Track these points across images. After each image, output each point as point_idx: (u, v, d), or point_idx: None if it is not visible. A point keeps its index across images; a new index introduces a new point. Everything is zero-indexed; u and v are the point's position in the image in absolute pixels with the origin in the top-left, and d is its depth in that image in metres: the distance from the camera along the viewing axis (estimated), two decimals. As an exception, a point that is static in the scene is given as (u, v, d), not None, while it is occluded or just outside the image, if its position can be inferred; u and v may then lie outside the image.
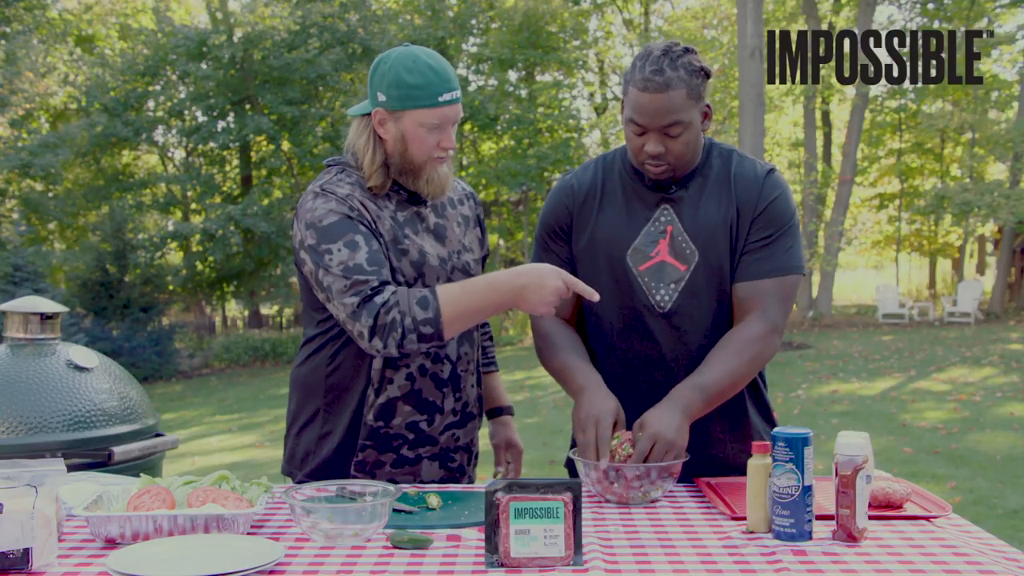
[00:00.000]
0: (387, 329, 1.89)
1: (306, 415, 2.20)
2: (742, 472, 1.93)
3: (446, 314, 1.90)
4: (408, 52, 2.04)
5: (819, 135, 26.87)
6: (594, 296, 1.95)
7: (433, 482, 2.17)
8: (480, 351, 2.37)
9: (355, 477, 2.13)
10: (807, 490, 1.64)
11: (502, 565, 1.52)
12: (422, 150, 2.05)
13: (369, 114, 2.08)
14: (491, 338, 2.47)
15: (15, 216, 20.39)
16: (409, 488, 2.01)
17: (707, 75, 2.02)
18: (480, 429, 2.35)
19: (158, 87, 22.03)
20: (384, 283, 1.93)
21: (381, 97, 2.03)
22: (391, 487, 1.75)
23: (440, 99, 2.01)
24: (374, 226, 2.03)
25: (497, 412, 2.43)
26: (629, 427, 1.99)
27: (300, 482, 2.18)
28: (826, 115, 27.61)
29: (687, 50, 2.01)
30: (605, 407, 1.95)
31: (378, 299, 1.90)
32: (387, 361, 2.08)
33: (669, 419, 1.91)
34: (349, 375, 2.12)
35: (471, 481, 2.28)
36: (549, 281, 1.91)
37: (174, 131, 23.15)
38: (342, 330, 2.06)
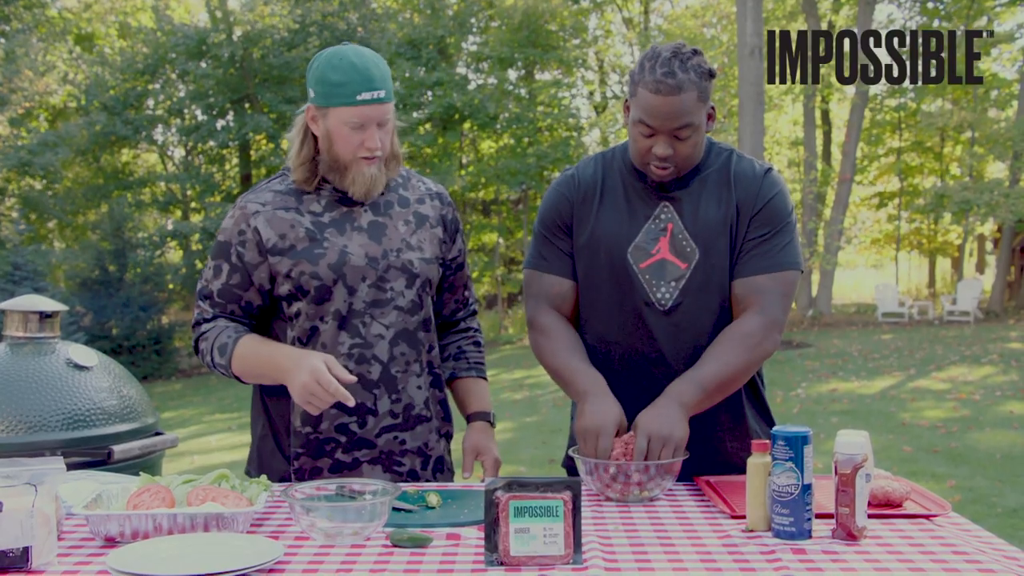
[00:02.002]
0: (201, 354, 2.15)
1: (254, 416, 2.25)
2: (741, 471, 1.93)
3: (235, 368, 2.08)
4: (337, 50, 2.06)
5: (819, 134, 26.86)
6: (349, 401, 1.92)
7: None
8: (452, 349, 2.35)
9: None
10: (806, 489, 1.64)
11: (502, 564, 1.52)
12: (346, 149, 2.06)
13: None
14: (477, 344, 2.40)
15: (15, 215, 20.38)
16: (409, 487, 2.01)
17: (712, 76, 2.02)
18: (452, 438, 2.30)
19: (157, 86, 22.01)
20: (217, 316, 2.14)
21: (311, 93, 2.07)
22: (391, 486, 1.75)
23: (358, 98, 2.01)
24: (264, 246, 2.08)
25: (471, 418, 2.34)
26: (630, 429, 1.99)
27: None
28: (826, 114, 27.59)
29: (695, 51, 2.01)
30: (608, 417, 1.95)
31: (203, 327, 2.15)
32: None
33: (664, 414, 1.93)
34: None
35: None
36: (301, 372, 1.92)
37: (174, 130, 23.12)
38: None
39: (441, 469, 2.26)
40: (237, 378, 2.10)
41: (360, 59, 2.03)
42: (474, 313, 2.44)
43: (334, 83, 2.01)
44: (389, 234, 2.15)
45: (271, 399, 2.17)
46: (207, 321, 2.14)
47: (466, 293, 2.39)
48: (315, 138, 2.11)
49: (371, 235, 2.13)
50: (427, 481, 2.20)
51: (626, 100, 2.08)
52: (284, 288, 2.09)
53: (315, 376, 1.89)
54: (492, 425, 2.33)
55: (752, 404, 2.21)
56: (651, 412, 1.95)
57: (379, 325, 2.11)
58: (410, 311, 2.14)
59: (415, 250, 2.17)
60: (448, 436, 2.28)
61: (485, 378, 2.40)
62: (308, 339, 2.10)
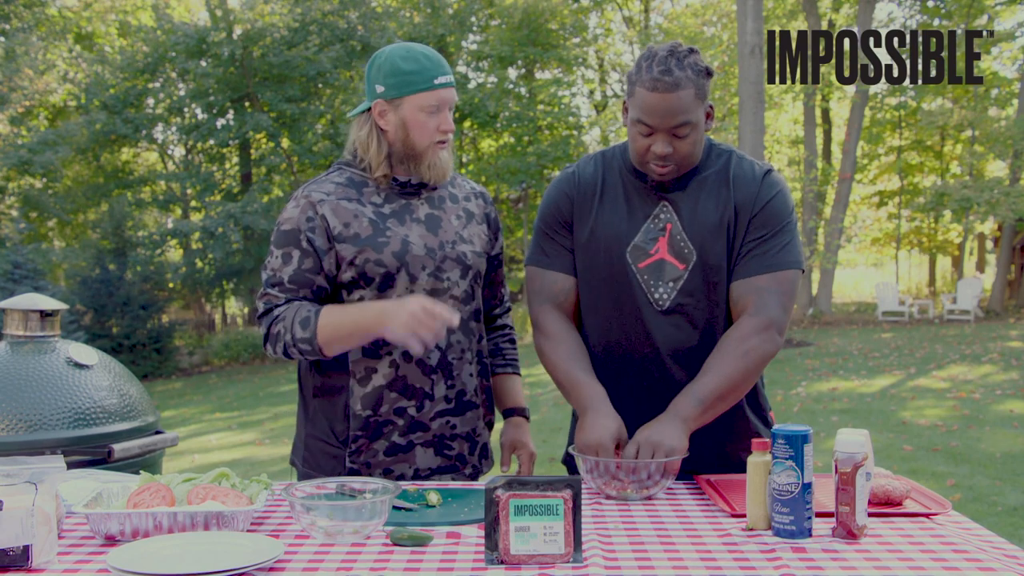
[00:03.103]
0: (275, 339, 2.10)
1: (303, 406, 2.27)
2: (741, 469, 1.93)
3: (321, 336, 2.05)
4: (400, 46, 2.17)
5: (819, 132, 26.85)
6: (454, 321, 1.96)
7: (431, 470, 2.19)
8: (488, 346, 2.41)
9: (351, 469, 2.16)
10: (807, 487, 1.64)
11: (502, 562, 1.53)
12: (423, 135, 2.14)
13: (369, 110, 2.17)
14: (511, 340, 2.49)
15: (15, 213, 20.39)
16: (409, 485, 2.02)
17: (709, 74, 2.03)
18: (494, 427, 2.37)
19: (158, 84, 22.01)
20: (290, 300, 2.12)
21: (379, 89, 2.14)
22: (391, 484, 1.75)
23: (436, 81, 2.12)
24: (331, 233, 2.12)
25: (508, 413, 2.43)
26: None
27: (301, 473, 2.24)
28: (826, 112, 27.58)
29: (691, 50, 2.01)
30: (607, 433, 1.95)
31: (275, 312, 2.12)
32: (367, 351, 2.14)
33: (659, 427, 1.94)
34: (332, 367, 2.17)
35: (476, 471, 2.29)
36: (404, 307, 1.96)
37: (174, 128, 23.12)
38: None
39: (486, 455, 2.33)
40: (319, 350, 2.07)
41: (427, 49, 2.16)
42: (508, 311, 2.52)
43: (408, 72, 2.10)
44: (444, 226, 2.22)
45: (318, 385, 2.20)
46: (279, 306, 2.13)
47: (502, 291, 2.47)
48: (384, 132, 2.17)
49: (428, 227, 2.20)
50: (474, 466, 2.28)
51: (624, 101, 2.08)
52: (347, 275, 2.14)
53: (422, 303, 1.95)
54: (527, 419, 2.44)
55: (751, 402, 2.21)
56: (648, 424, 1.97)
57: None
58: (464, 300, 2.22)
59: (467, 243, 2.25)
60: (490, 424, 2.35)
61: (519, 374, 2.49)
62: None
